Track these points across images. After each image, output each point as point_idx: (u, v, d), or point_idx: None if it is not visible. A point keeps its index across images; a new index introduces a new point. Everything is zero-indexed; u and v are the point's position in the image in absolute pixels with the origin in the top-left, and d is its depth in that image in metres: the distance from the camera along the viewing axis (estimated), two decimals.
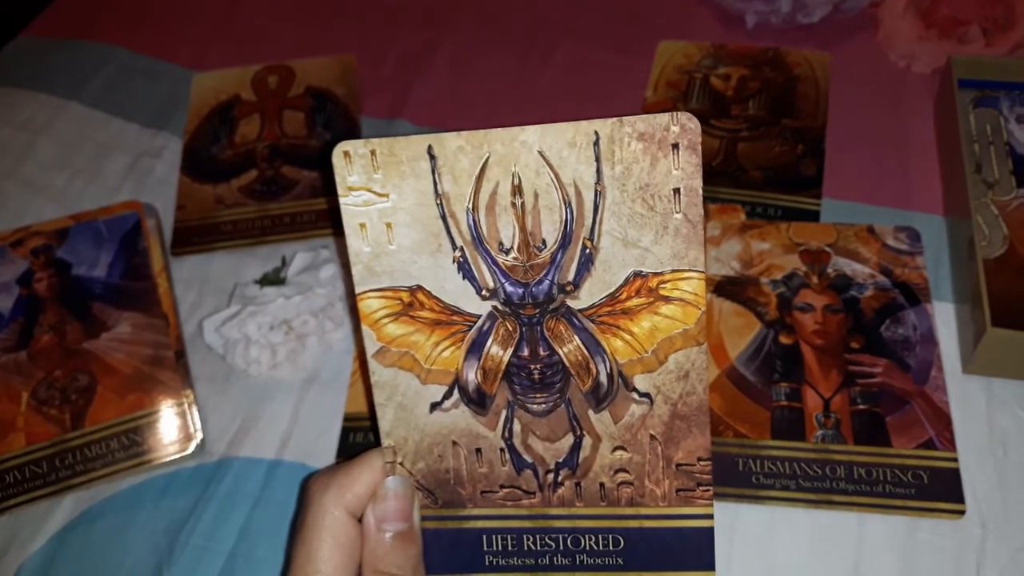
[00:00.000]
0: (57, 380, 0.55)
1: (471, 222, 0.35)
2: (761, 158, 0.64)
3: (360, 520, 0.36)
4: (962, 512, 0.46)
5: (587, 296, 0.36)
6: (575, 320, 0.36)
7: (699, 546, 0.38)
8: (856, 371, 0.52)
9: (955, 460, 0.48)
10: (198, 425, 0.53)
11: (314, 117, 0.70)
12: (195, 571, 0.48)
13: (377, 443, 0.38)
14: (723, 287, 0.56)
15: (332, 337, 0.56)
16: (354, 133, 0.69)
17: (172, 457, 0.52)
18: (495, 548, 0.39)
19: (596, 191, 0.34)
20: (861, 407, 0.50)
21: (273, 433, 0.54)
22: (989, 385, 0.52)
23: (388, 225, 0.35)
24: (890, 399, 0.50)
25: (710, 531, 0.38)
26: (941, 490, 0.47)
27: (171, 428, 0.53)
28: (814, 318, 0.54)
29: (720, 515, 0.47)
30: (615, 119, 0.33)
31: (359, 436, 0.53)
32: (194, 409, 0.54)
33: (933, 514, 0.47)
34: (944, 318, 0.54)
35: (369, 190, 0.35)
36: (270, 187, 0.66)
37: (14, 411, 0.54)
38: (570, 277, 0.35)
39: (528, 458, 0.38)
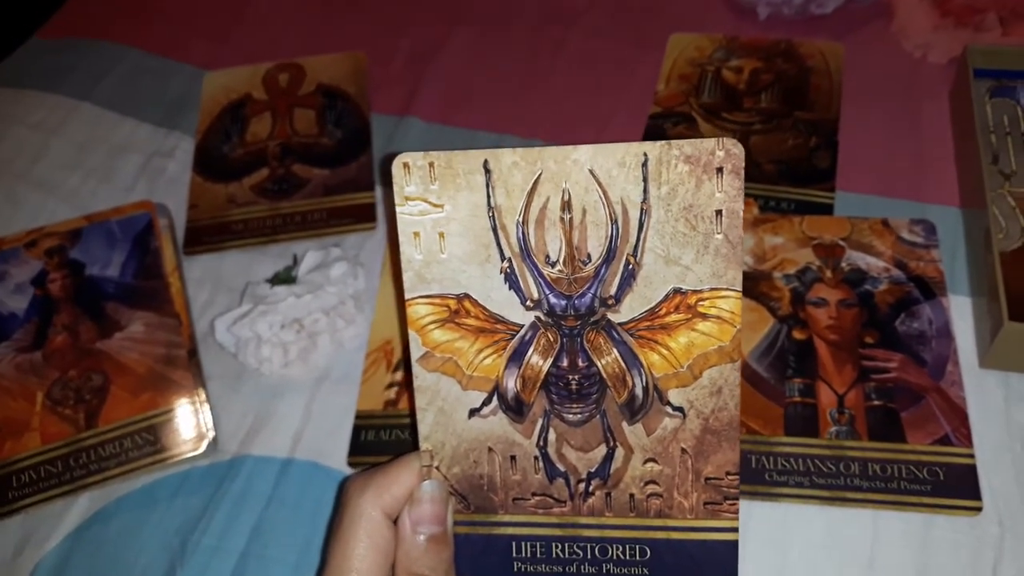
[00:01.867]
0: (71, 380, 0.56)
1: (520, 235, 0.36)
2: (774, 151, 0.63)
3: (395, 522, 0.37)
4: (979, 509, 0.46)
5: (627, 310, 0.37)
6: (614, 333, 0.37)
7: (723, 559, 0.38)
8: (871, 366, 0.51)
9: (972, 456, 0.47)
10: (210, 424, 0.53)
11: (325, 115, 0.70)
12: (207, 570, 0.48)
13: (414, 446, 0.39)
14: None
15: (343, 335, 0.56)
16: (365, 131, 0.69)
17: (185, 456, 0.53)
18: (524, 555, 0.39)
19: (642, 210, 0.35)
20: (876, 403, 0.50)
21: (285, 431, 0.54)
22: (1006, 380, 0.51)
23: (441, 235, 0.36)
24: (905, 394, 0.50)
25: (734, 544, 0.38)
26: (957, 487, 0.46)
27: (184, 427, 0.53)
28: (828, 313, 0.54)
29: None
30: (664, 142, 0.34)
31: (371, 434, 0.53)
32: (206, 408, 0.54)
33: (949, 511, 0.46)
34: (960, 312, 0.54)
35: (425, 200, 0.36)
36: (281, 186, 0.66)
37: (29, 411, 0.55)
38: (612, 291, 0.36)
39: (561, 467, 0.38)
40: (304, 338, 0.55)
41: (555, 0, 0.78)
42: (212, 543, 0.49)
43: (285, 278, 0.58)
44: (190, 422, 0.54)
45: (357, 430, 0.53)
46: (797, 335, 0.53)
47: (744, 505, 0.47)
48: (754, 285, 0.55)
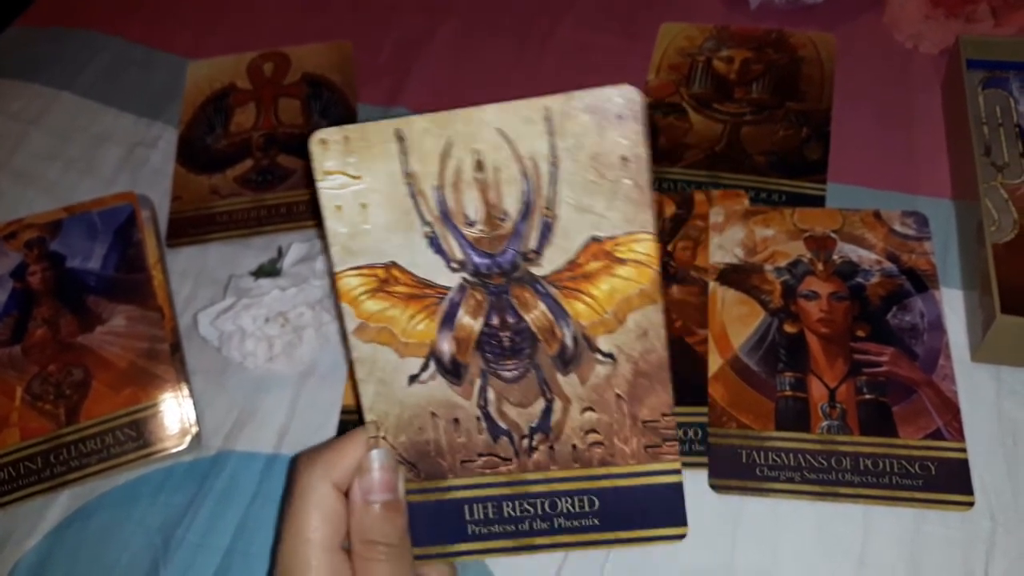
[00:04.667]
0: (51, 375, 0.55)
1: (439, 199, 0.37)
2: (765, 142, 0.63)
3: (347, 494, 0.37)
4: (971, 504, 0.46)
5: (549, 263, 0.37)
6: (539, 286, 0.38)
7: (670, 502, 0.38)
8: (862, 360, 0.51)
9: (963, 450, 0.47)
10: (194, 419, 0.53)
11: (310, 105, 0.69)
12: (191, 568, 0.48)
13: (361, 421, 0.39)
14: (726, 275, 0.55)
15: (329, 329, 0.55)
16: (351, 120, 0.67)
17: (168, 452, 0.52)
18: (476, 517, 0.39)
19: (551, 163, 0.36)
20: (867, 397, 0.49)
21: (270, 427, 0.53)
22: (998, 373, 0.51)
23: (363, 206, 0.37)
24: (897, 388, 0.49)
25: (679, 486, 0.38)
26: (949, 481, 0.46)
27: (167, 422, 0.53)
28: (819, 306, 0.53)
29: (724, 507, 0.47)
30: (564, 94, 0.35)
31: None
32: (190, 403, 0.53)
33: (941, 506, 0.46)
34: (952, 305, 0.53)
35: (344, 173, 0.37)
36: (266, 177, 0.65)
37: (8, 406, 0.54)
38: (532, 245, 0.37)
39: (503, 425, 0.39)
40: (289, 332, 0.54)
41: None
42: (196, 540, 0.49)
43: (270, 271, 0.57)
44: (173, 417, 0.53)
45: (343, 425, 0.52)
46: (788, 328, 0.52)
47: (735, 500, 0.47)
48: (745, 278, 0.55)
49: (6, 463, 0.52)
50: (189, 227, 0.62)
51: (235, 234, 0.62)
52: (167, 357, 0.55)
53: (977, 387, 0.50)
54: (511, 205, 0.36)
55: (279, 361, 0.54)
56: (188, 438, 0.52)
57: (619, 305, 0.37)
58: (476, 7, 0.77)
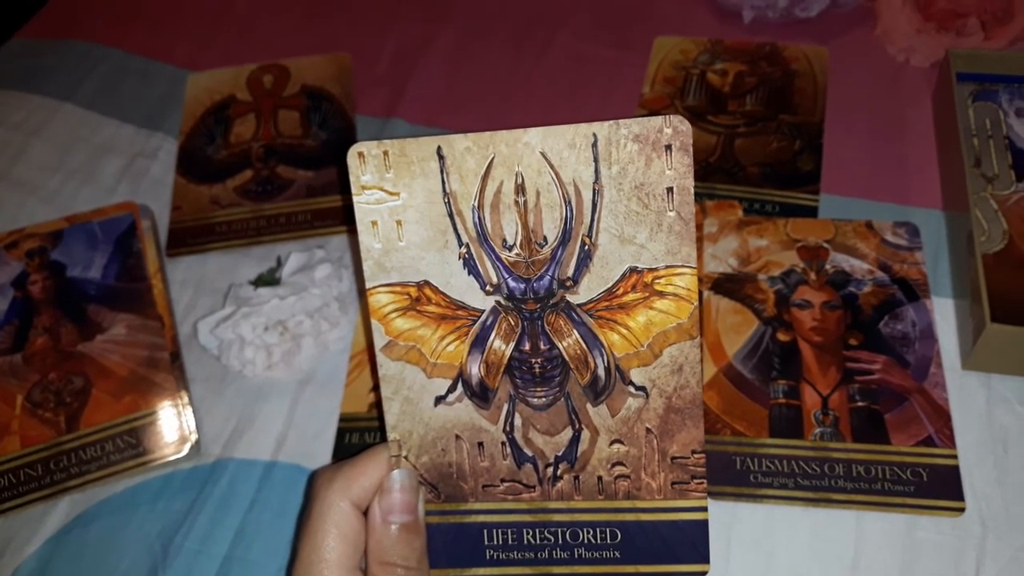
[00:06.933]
0: (52, 383, 0.55)
1: (476, 220, 0.36)
2: (758, 154, 0.64)
3: (365, 513, 0.37)
4: (962, 510, 0.46)
5: (586, 291, 0.37)
6: (574, 315, 0.37)
7: (694, 539, 0.38)
8: (855, 368, 0.51)
9: (955, 457, 0.48)
10: (193, 427, 0.53)
11: (309, 116, 0.70)
12: (190, 574, 0.48)
13: (382, 440, 0.39)
14: (720, 284, 0.56)
15: (327, 337, 0.56)
16: (349, 132, 0.69)
17: (167, 459, 0.52)
18: (495, 542, 0.39)
19: (594, 190, 0.36)
20: (860, 404, 0.50)
21: (268, 434, 0.53)
22: (989, 381, 0.51)
23: (398, 222, 0.37)
24: (889, 396, 0.50)
25: (704, 523, 0.38)
26: (940, 488, 0.47)
27: (166, 430, 0.53)
28: (812, 315, 0.54)
29: (718, 514, 0.47)
30: (612, 122, 0.35)
31: (355, 437, 0.52)
32: (189, 411, 0.54)
33: (932, 512, 0.46)
34: (943, 314, 0.54)
35: (381, 189, 0.36)
36: (265, 187, 0.65)
37: (9, 414, 0.54)
38: (570, 273, 0.37)
39: (528, 452, 0.39)
40: (288, 340, 0.55)
41: (540, 2, 0.78)
42: (195, 547, 0.49)
43: (269, 280, 0.58)
44: (173, 425, 0.53)
45: (341, 433, 0.53)
46: (781, 337, 0.53)
47: (729, 506, 0.48)
48: (738, 287, 0.55)
49: (6, 470, 0.52)
50: (189, 237, 0.63)
51: (234, 244, 0.62)
52: (167, 365, 0.55)
53: (968, 395, 0.51)
54: (550, 231, 0.36)
55: (278, 369, 0.55)
56: (187, 445, 0.52)
57: (655, 339, 0.37)
58: (473, 19, 0.78)
